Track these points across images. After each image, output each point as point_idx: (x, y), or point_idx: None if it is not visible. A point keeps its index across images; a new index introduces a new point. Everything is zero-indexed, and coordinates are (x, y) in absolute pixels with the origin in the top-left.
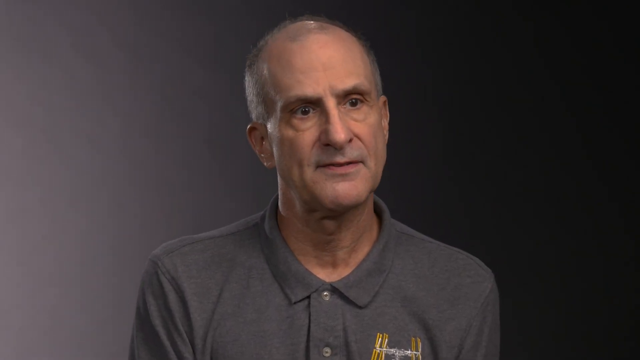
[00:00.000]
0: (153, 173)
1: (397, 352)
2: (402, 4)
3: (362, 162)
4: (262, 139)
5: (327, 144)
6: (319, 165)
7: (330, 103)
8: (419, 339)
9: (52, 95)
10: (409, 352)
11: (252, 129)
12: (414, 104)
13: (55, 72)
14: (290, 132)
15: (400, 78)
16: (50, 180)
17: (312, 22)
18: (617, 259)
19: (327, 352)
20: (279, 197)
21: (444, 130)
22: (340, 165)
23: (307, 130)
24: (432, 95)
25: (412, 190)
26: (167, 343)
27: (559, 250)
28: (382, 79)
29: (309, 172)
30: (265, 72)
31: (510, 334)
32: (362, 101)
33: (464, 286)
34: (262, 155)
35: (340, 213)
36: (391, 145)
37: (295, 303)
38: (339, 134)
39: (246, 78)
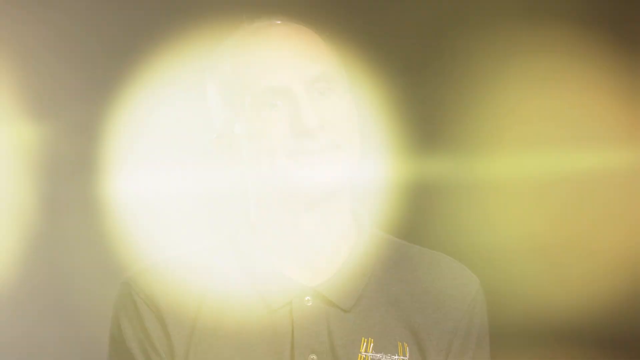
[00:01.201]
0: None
1: (384, 358)
2: (406, 4)
3: (336, 148)
4: (230, 145)
5: (299, 132)
6: (292, 156)
7: (299, 90)
8: (405, 344)
9: (35, 101)
10: (396, 357)
11: (218, 137)
12: (420, 109)
13: (39, 76)
14: (259, 125)
15: (403, 80)
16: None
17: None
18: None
19: (312, 358)
20: (251, 203)
21: (448, 136)
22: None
23: (277, 122)
24: (438, 100)
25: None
26: None
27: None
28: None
29: (282, 163)
30: (228, 71)
31: (512, 336)
32: (330, 89)
33: (448, 289)
34: (230, 162)
35: (318, 201)
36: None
37: (276, 310)
38: (310, 119)
39: (207, 86)
